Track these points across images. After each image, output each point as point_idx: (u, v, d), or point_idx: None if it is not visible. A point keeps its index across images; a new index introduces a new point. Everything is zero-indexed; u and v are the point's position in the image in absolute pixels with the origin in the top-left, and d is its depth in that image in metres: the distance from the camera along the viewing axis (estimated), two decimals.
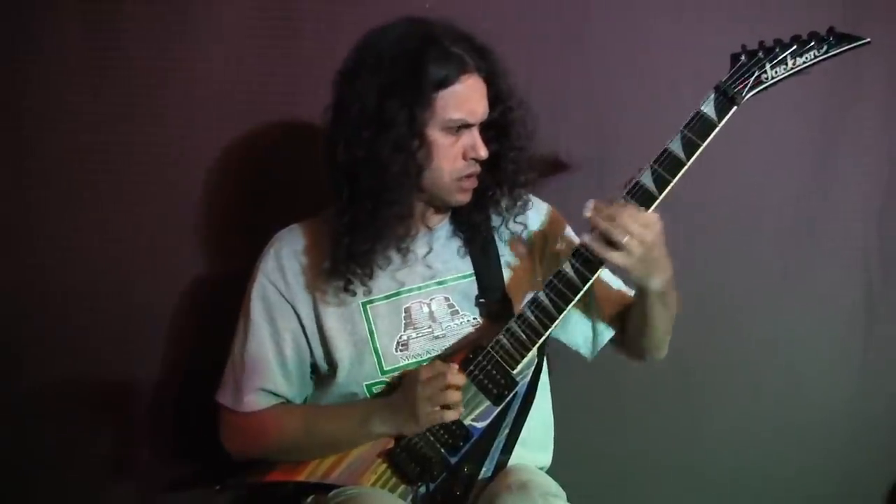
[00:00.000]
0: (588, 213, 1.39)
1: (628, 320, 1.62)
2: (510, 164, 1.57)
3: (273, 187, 1.92)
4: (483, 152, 1.51)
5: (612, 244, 1.38)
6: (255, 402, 1.60)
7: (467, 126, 1.50)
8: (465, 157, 1.52)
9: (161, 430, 1.98)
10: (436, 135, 1.49)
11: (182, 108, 1.89)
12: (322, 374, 1.62)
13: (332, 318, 1.57)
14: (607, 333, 1.66)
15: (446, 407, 1.48)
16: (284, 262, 1.59)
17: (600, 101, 1.97)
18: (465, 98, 1.48)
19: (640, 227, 1.37)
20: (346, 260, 1.53)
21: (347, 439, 1.56)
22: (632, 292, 1.62)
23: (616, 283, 1.67)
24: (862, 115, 2.00)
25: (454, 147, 1.51)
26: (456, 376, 1.48)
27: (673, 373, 2.05)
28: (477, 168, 1.54)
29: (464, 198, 1.56)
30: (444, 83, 1.46)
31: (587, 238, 1.40)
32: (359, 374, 1.57)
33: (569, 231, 1.68)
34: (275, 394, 1.61)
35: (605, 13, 1.95)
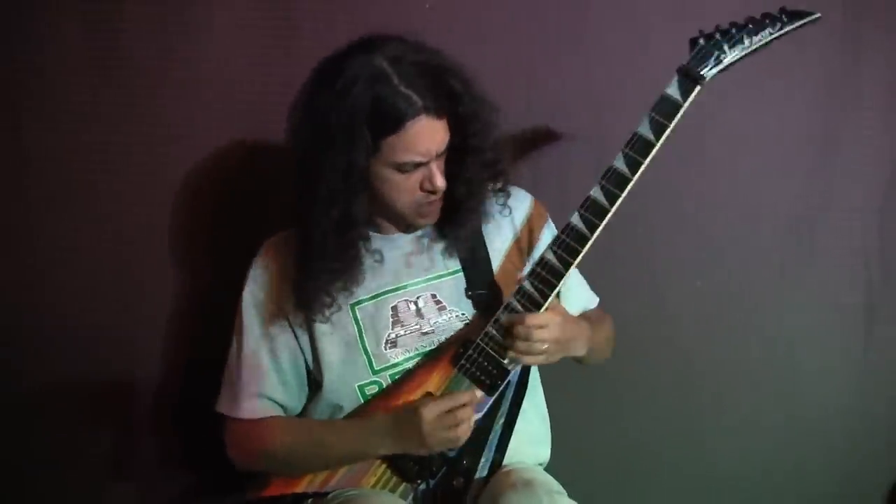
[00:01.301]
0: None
1: None
2: (463, 186, 1.54)
3: (273, 187, 1.90)
4: (440, 183, 1.49)
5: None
6: (253, 408, 1.59)
7: (421, 164, 1.47)
8: (422, 188, 1.50)
9: (161, 430, 1.98)
10: (386, 173, 1.47)
11: (182, 108, 1.89)
12: (314, 378, 1.62)
13: (322, 322, 1.56)
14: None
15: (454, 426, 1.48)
16: (272, 267, 1.60)
17: (599, 100, 1.96)
18: (414, 142, 1.44)
19: (543, 332, 1.45)
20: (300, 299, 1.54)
21: (346, 458, 1.56)
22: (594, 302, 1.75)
23: (581, 290, 1.74)
24: (862, 114, 2.00)
25: (409, 181, 1.48)
26: (466, 411, 1.48)
27: (672, 372, 2.06)
28: (437, 196, 1.51)
29: (428, 221, 1.56)
30: (391, 130, 1.42)
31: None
32: (351, 375, 1.57)
33: (549, 225, 1.68)
34: (272, 399, 1.60)
35: (605, 12, 1.95)
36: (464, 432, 1.48)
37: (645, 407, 2.06)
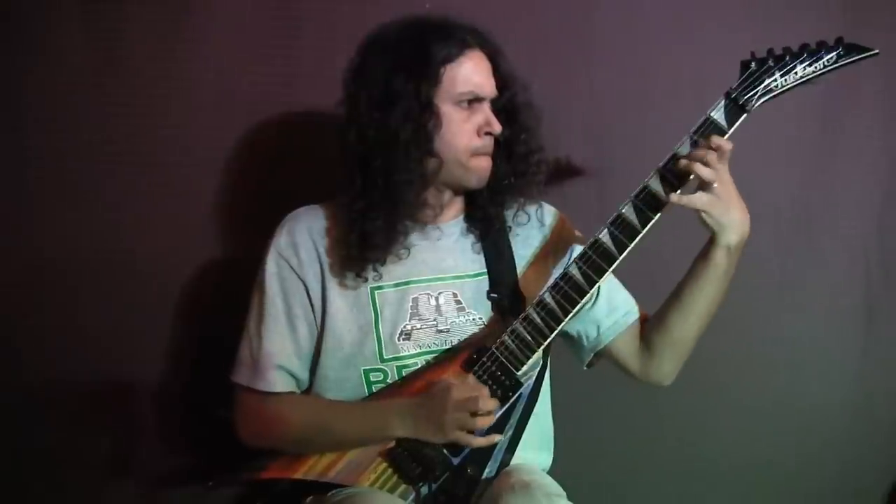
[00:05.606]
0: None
1: (659, 312, 1.62)
2: (522, 146, 1.59)
3: (273, 186, 1.92)
4: (497, 127, 1.55)
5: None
6: (274, 380, 1.58)
7: (478, 100, 1.53)
8: (479, 134, 1.54)
9: (161, 429, 1.98)
10: (447, 109, 1.52)
11: (182, 108, 1.90)
12: (320, 353, 1.60)
13: (340, 300, 1.57)
14: (631, 315, 1.66)
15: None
16: (297, 238, 1.60)
17: (601, 104, 1.97)
18: (471, 72, 1.53)
19: (717, 160, 1.39)
20: (360, 244, 1.53)
21: (361, 439, 1.55)
22: (635, 315, 1.65)
23: (622, 296, 1.67)
24: (861, 115, 2.01)
25: (467, 123, 1.53)
26: (488, 402, 1.47)
27: None
28: (491, 144, 1.56)
29: (479, 176, 1.56)
30: (448, 58, 1.51)
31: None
32: (358, 358, 1.57)
33: (578, 237, 1.68)
34: (290, 372, 1.59)
35: (607, 15, 1.95)
36: (483, 424, 1.47)
37: (644, 408, 2.06)
